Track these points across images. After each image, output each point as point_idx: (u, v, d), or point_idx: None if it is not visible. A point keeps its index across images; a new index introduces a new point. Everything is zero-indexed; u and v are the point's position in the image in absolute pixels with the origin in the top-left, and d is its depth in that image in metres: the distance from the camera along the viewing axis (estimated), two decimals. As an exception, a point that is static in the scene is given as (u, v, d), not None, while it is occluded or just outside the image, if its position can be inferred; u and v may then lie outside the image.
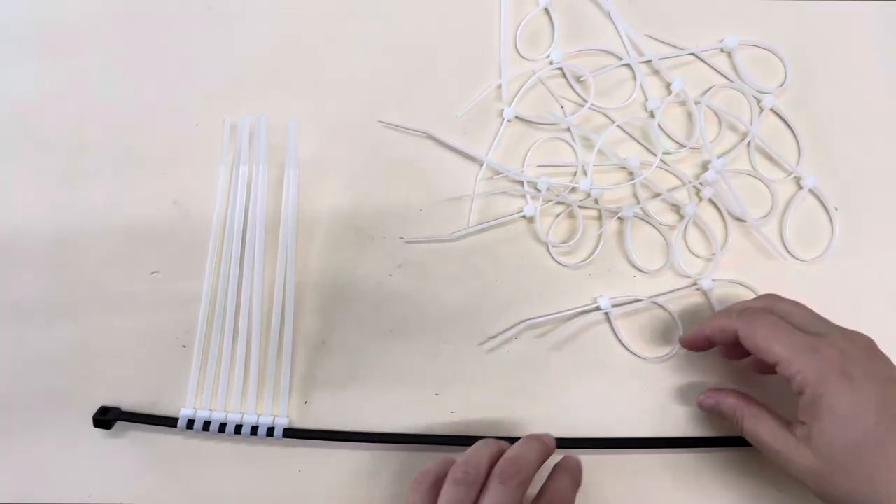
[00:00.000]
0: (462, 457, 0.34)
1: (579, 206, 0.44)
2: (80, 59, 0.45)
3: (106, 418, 0.40)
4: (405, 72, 0.46)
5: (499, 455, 0.34)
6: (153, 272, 0.43)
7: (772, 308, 0.37)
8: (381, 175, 0.45)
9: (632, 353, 0.43)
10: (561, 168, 0.45)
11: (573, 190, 0.44)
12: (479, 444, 0.35)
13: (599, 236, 0.44)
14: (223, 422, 0.41)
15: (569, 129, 0.46)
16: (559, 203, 0.45)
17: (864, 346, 0.34)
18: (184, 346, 0.42)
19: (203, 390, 0.41)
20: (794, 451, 0.34)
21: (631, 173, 0.45)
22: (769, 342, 0.34)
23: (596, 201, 0.44)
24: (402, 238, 0.44)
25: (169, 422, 0.41)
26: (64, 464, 0.41)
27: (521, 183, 0.45)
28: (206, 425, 0.40)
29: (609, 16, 0.47)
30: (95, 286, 0.43)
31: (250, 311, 0.42)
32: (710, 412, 0.40)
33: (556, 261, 0.44)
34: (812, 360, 0.33)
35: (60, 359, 0.42)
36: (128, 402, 0.42)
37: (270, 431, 0.40)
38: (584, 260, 0.44)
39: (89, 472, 0.41)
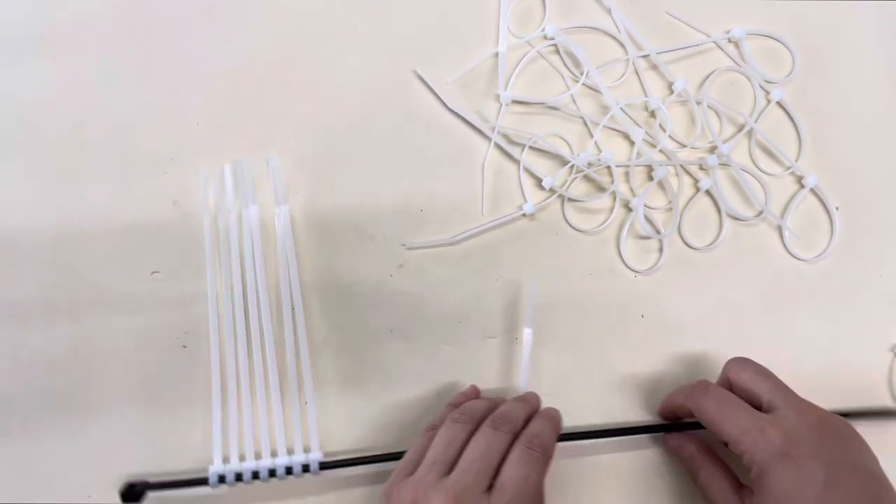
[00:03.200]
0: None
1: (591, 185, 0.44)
2: (80, 59, 0.45)
3: (135, 492, 0.39)
4: (404, 70, 0.46)
5: (492, 409, 0.37)
6: (153, 272, 0.43)
7: (732, 380, 0.38)
8: (382, 174, 0.45)
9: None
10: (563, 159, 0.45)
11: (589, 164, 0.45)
12: (477, 399, 0.40)
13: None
14: (255, 470, 0.39)
15: (573, 100, 0.46)
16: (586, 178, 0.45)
17: (814, 423, 0.34)
18: (184, 347, 0.42)
19: (228, 438, 0.40)
20: None
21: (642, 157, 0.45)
22: (718, 421, 0.35)
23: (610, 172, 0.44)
24: (403, 245, 0.44)
25: (199, 482, 0.39)
26: (64, 464, 0.41)
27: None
28: (239, 476, 0.39)
29: (609, 12, 0.48)
30: (95, 286, 0.43)
31: (263, 354, 0.41)
32: (671, 451, 0.41)
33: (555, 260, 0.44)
34: (758, 441, 0.33)
35: (60, 359, 0.42)
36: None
37: (306, 468, 0.39)
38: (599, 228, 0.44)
39: (89, 472, 0.41)
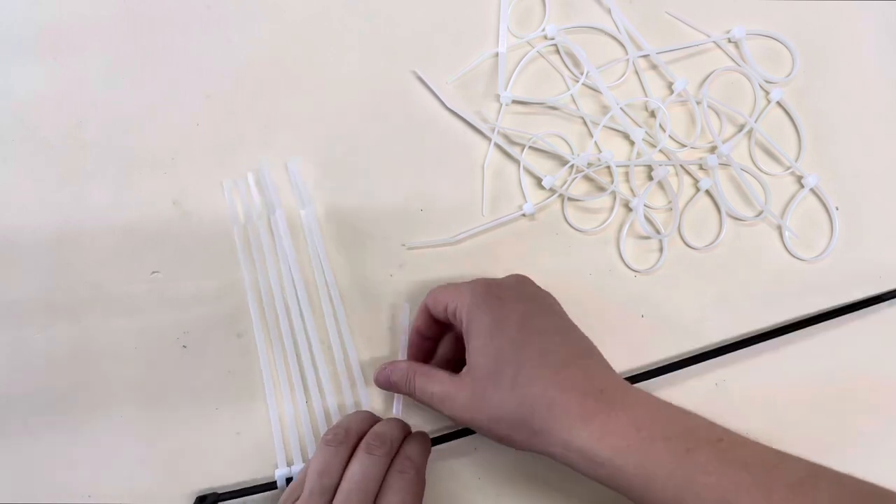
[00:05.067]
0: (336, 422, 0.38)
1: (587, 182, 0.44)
2: (80, 59, 0.45)
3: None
4: (404, 70, 0.46)
5: (369, 425, 0.38)
6: (153, 272, 0.43)
7: (429, 304, 0.40)
8: (382, 174, 0.45)
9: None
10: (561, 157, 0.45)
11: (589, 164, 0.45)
12: (352, 413, 0.40)
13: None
14: None
15: (573, 100, 0.46)
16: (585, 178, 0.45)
17: (516, 279, 0.39)
18: (184, 346, 0.42)
19: (288, 440, 0.41)
20: (457, 386, 0.36)
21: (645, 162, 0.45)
22: (439, 293, 0.38)
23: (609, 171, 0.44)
24: (403, 245, 0.44)
25: (267, 487, 0.40)
26: (64, 464, 0.41)
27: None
28: None
29: (609, 12, 0.48)
30: (95, 286, 0.43)
31: (311, 352, 0.42)
32: (385, 387, 0.41)
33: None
34: (467, 291, 0.37)
35: (60, 359, 0.42)
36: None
37: None
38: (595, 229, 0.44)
39: (89, 472, 0.41)
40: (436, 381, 0.37)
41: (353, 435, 0.36)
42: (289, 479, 0.40)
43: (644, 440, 0.32)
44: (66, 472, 0.41)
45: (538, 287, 0.39)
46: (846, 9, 0.48)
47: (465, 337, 0.37)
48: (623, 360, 0.43)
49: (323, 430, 0.41)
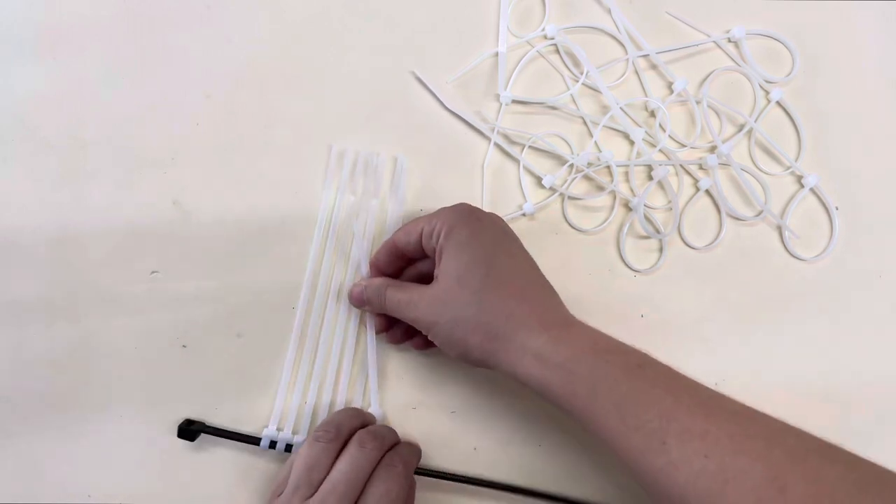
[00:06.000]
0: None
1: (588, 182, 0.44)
2: (80, 59, 0.45)
3: (191, 429, 0.40)
4: (404, 70, 0.46)
5: (359, 424, 0.38)
6: (153, 272, 0.43)
7: (395, 239, 0.41)
8: (382, 174, 0.45)
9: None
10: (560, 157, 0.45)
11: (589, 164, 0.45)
12: (341, 410, 0.40)
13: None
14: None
15: (573, 100, 0.46)
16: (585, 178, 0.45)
17: (495, 215, 0.39)
18: (184, 346, 0.42)
19: (288, 409, 0.42)
20: (423, 291, 0.37)
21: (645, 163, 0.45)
22: (412, 223, 0.39)
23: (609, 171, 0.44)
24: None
25: (251, 440, 0.41)
26: (64, 464, 0.41)
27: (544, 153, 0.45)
28: (288, 447, 0.40)
29: (609, 12, 0.48)
30: (95, 286, 0.43)
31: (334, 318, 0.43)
32: (358, 303, 0.41)
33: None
34: (450, 210, 0.38)
35: (60, 359, 0.42)
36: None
37: None
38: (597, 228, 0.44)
39: (89, 472, 0.41)
40: (405, 289, 0.38)
41: (343, 433, 0.37)
42: (272, 443, 0.40)
43: (599, 351, 0.34)
44: (66, 472, 0.41)
45: (493, 215, 0.40)
46: (846, 9, 0.48)
47: (437, 252, 0.37)
48: (623, 359, 0.43)
49: (323, 414, 0.41)
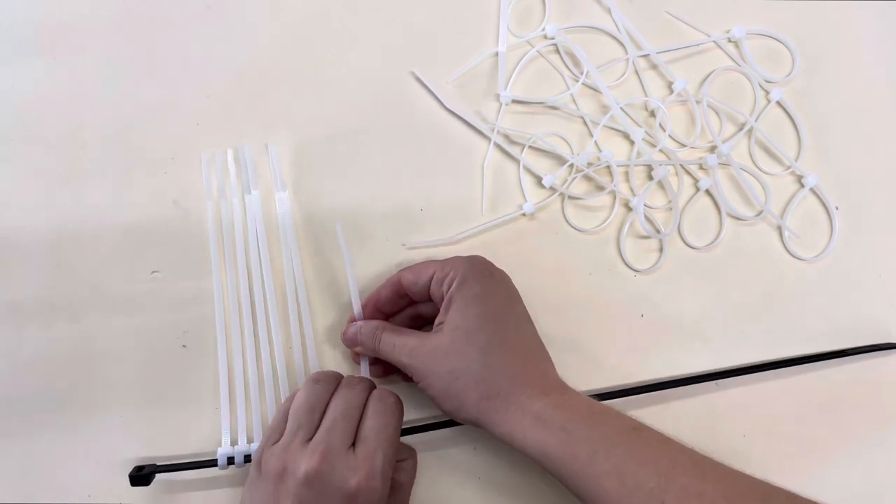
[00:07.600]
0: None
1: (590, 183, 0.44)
2: (80, 59, 0.45)
3: (143, 474, 0.39)
4: (404, 70, 0.46)
5: (342, 376, 0.39)
6: (153, 272, 0.43)
7: (402, 279, 0.40)
8: (382, 174, 0.45)
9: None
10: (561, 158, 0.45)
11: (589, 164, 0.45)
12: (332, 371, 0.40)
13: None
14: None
15: (573, 100, 0.46)
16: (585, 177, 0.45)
17: (479, 259, 0.39)
18: (184, 346, 0.42)
19: (236, 421, 0.41)
20: (423, 338, 0.37)
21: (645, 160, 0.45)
22: (423, 266, 0.39)
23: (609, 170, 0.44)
24: (403, 244, 0.44)
25: (207, 464, 0.40)
26: (64, 464, 0.41)
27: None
28: (248, 457, 0.40)
29: (609, 12, 0.48)
30: (95, 286, 0.43)
31: (270, 338, 0.42)
32: (351, 344, 0.41)
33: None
34: (464, 261, 0.38)
35: (60, 359, 0.42)
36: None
37: None
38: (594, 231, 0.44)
39: (89, 472, 0.41)
40: (402, 334, 0.38)
41: (339, 377, 0.38)
42: (230, 460, 0.39)
43: (595, 414, 0.35)
44: (66, 472, 0.41)
45: (497, 268, 0.40)
46: (846, 9, 0.48)
47: (446, 301, 0.37)
48: (623, 359, 0.43)
49: (271, 414, 0.41)
